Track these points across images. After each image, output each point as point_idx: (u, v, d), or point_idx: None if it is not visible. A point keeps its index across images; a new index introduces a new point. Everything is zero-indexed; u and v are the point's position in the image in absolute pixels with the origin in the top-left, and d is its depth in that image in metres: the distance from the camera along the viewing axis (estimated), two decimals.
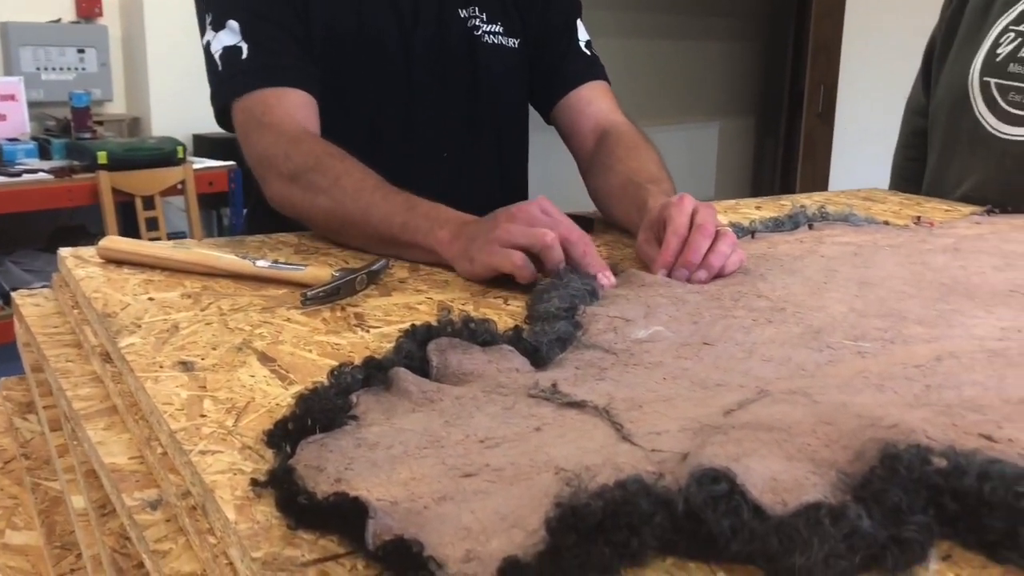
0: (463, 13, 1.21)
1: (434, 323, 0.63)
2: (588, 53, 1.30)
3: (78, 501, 0.60)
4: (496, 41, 1.23)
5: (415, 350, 0.60)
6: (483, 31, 1.22)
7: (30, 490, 0.73)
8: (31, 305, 0.87)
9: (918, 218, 1.24)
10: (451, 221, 0.90)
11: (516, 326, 0.66)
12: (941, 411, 0.53)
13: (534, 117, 1.33)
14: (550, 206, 0.87)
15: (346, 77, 1.15)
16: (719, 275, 0.84)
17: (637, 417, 0.52)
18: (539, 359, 0.61)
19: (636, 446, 0.48)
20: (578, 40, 1.29)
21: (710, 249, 0.84)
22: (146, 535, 0.48)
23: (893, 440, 0.44)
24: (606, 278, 0.81)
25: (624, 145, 1.17)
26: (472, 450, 0.48)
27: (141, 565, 0.49)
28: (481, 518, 0.41)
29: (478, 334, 0.62)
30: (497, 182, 1.30)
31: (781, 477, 0.42)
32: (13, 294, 0.91)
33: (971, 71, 1.44)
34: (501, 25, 1.23)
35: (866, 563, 0.38)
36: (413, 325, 0.63)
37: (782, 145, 5.81)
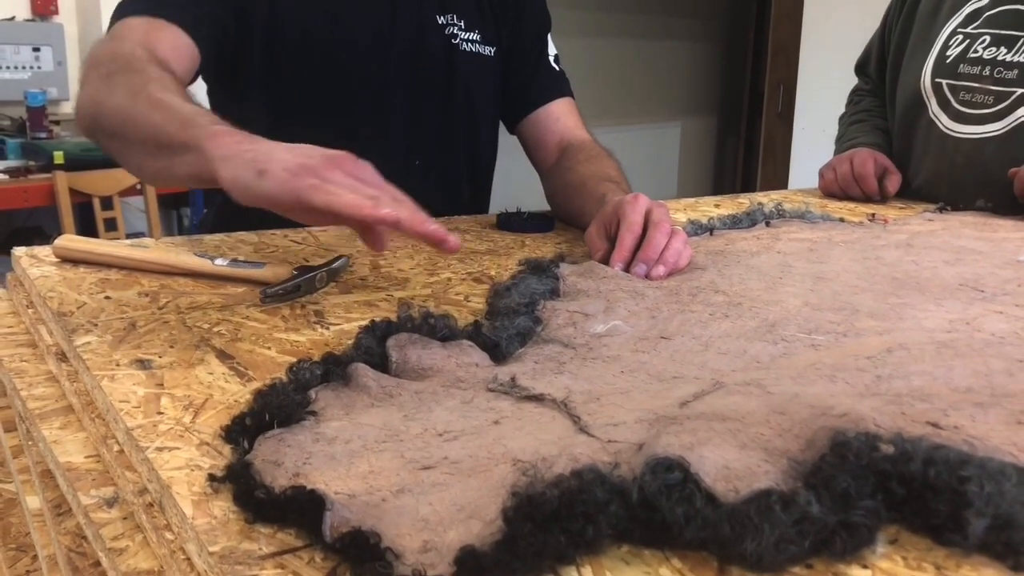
0: (441, 20, 1.21)
1: (394, 319, 0.63)
2: (556, 68, 1.32)
3: (33, 501, 0.60)
4: (473, 49, 1.23)
5: (374, 346, 0.60)
6: (460, 39, 1.22)
7: None
8: None
9: (872, 215, 1.26)
10: (240, 132, 0.74)
11: (475, 321, 0.66)
12: (890, 400, 0.54)
13: None
14: (376, 173, 0.72)
15: (319, 81, 1.14)
16: (673, 271, 0.85)
17: (595, 409, 0.53)
18: (498, 354, 0.62)
19: (593, 437, 0.48)
20: (548, 55, 1.31)
21: (665, 246, 0.85)
22: (102, 533, 0.48)
23: (843, 428, 0.45)
24: (450, 243, 0.69)
25: (585, 153, 1.20)
26: (431, 443, 0.49)
27: (98, 564, 0.49)
28: (439, 510, 0.42)
29: (437, 329, 0.62)
30: (467, 187, 1.30)
31: (733, 465, 0.43)
32: None
33: (923, 74, 1.47)
34: (479, 33, 1.24)
35: (816, 548, 0.39)
36: (372, 321, 0.63)
37: (743, 144, 5.87)
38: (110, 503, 0.50)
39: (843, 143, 1.62)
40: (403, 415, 0.52)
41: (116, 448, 0.53)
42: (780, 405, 0.52)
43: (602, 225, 0.91)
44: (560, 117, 1.28)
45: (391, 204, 0.67)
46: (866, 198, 1.41)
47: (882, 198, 1.41)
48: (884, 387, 0.57)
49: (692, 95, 5.84)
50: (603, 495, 0.39)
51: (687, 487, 0.41)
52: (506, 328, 0.65)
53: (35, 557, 0.61)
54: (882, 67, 1.63)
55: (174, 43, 1.00)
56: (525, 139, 1.31)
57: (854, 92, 1.74)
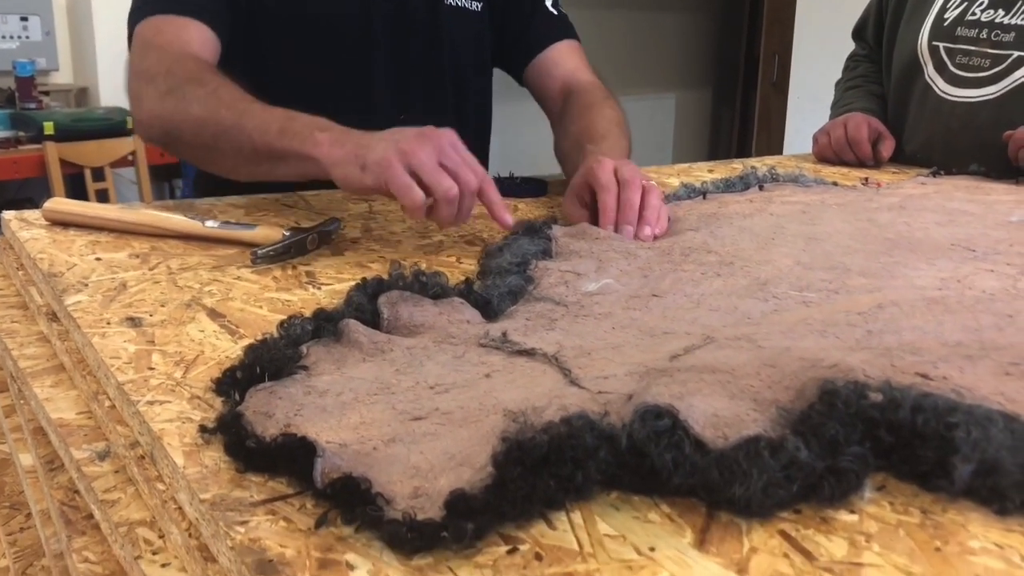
0: None
1: (385, 277, 0.63)
2: (555, 13, 1.29)
3: (26, 459, 0.60)
4: (459, 4, 1.22)
5: (366, 303, 0.60)
6: None
7: None
8: None
9: (866, 179, 1.26)
10: (334, 127, 0.83)
11: (467, 279, 0.66)
12: (880, 353, 0.54)
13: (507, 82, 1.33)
14: (459, 142, 0.82)
15: (302, 40, 1.13)
16: (658, 231, 0.85)
17: (586, 363, 0.53)
18: (490, 311, 0.62)
19: (583, 389, 0.49)
20: (544, 1, 1.29)
21: (642, 205, 0.84)
22: (95, 486, 0.48)
23: (832, 378, 0.45)
24: (508, 219, 0.83)
25: (580, 104, 1.17)
26: (422, 395, 0.49)
27: (90, 516, 0.49)
28: (430, 458, 0.42)
29: (429, 287, 0.62)
30: None
31: (723, 413, 0.43)
32: None
33: (920, 36, 1.47)
34: None
35: (804, 493, 0.40)
36: (364, 279, 0.63)
37: (738, 115, 5.85)
38: (102, 456, 0.50)
39: (838, 108, 1.61)
40: (395, 369, 0.52)
41: (107, 403, 0.53)
42: (770, 358, 0.52)
43: (574, 195, 0.91)
44: (560, 61, 1.25)
45: (447, 195, 0.77)
46: (860, 163, 1.41)
47: (876, 163, 1.41)
48: (875, 341, 0.57)
49: (686, 66, 5.81)
50: (592, 441, 0.39)
51: (676, 434, 0.41)
52: (497, 286, 0.65)
53: (28, 515, 0.62)
54: (879, 31, 1.62)
55: (201, 38, 1.03)
56: (531, 88, 1.29)
57: (850, 57, 1.73)
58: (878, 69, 1.62)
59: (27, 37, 3.40)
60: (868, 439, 0.42)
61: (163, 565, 0.41)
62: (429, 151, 0.78)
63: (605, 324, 0.60)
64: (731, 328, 0.60)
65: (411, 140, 0.78)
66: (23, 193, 3.24)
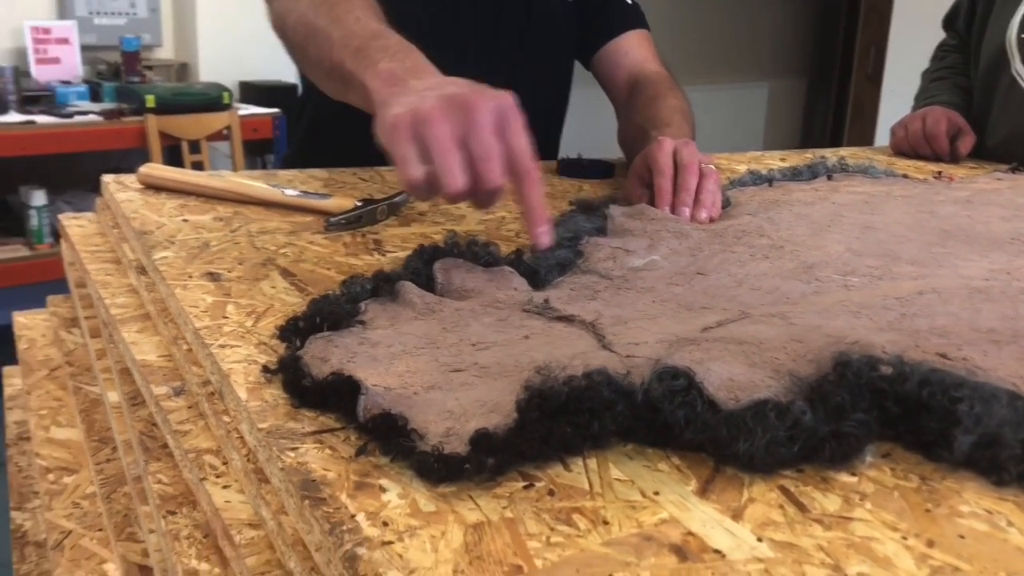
0: None
1: (441, 244, 0.68)
2: (628, 2, 1.31)
3: (113, 396, 0.66)
4: None
5: (422, 267, 0.64)
6: None
7: (72, 393, 0.79)
8: (76, 227, 0.93)
9: (939, 173, 1.25)
10: (405, 60, 0.71)
11: (517, 250, 0.70)
12: (908, 335, 0.56)
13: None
14: (510, 116, 0.63)
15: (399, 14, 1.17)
16: (713, 214, 0.87)
17: (621, 331, 0.56)
18: (537, 281, 0.65)
19: (613, 353, 0.52)
20: None
21: (699, 188, 0.86)
22: (170, 418, 0.53)
23: (848, 351, 0.48)
24: (543, 235, 0.62)
25: (646, 94, 1.19)
26: (464, 351, 0.53)
27: (165, 445, 0.54)
28: (464, 404, 0.46)
29: (481, 256, 0.66)
30: (539, 131, 1.32)
31: (738, 378, 0.46)
32: (60, 217, 0.97)
33: (1009, 30, 1.44)
34: None
35: (806, 453, 0.43)
36: (421, 245, 0.67)
37: (833, 108, 5.73)
38: (177, 393, 0.56)
39: (921, 100, 1.59)
40: (442, 327, 0.56)
41: (185, 347, 0.58)
42: (799, 334, 0.55)
43: (636, 177, 0.93)
44: (629, 51, 1.27)
45: (449, 186, 0.60)
46: (936, 158, 1.40)
47: (953, 159, 1.39)
48: (906, 324, 0.59)
49: (781, 55, 5.71)
50: (609, 395, 0.43)
51: (690, 393, 0.44)
52: (547, 258, 0.68)
53: (114, 448, 0.68)
54: (970, 21, 1.59)
55: None
56: (598, 75, 1.31)
57: (940, 47, 1.70)
58: (967, 60, 1.59)
59: (134, 14, 3.55)
60: (876, 408, 0.45)
61: (224, 487, 0.47)
62: (454, 123, 0.60)
63: (646, 297, 0.64)
64: (768, 306, 0.62)
65: (437, 103, 0.62)
66: (125, 163, 3.40)
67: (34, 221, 2.99)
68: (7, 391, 0.98)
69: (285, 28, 0.90)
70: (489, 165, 0.60)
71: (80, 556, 0.62)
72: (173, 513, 0.49)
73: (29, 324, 0.99)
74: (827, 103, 5.79)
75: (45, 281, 2.66)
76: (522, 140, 0.63)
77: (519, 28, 1.23)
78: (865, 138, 4.46)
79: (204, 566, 0.44)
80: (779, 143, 5.78)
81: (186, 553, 0.45)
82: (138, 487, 0.55)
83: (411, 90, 0.66)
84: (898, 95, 4.06)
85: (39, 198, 2.99)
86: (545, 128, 1.34)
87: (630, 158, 1.17)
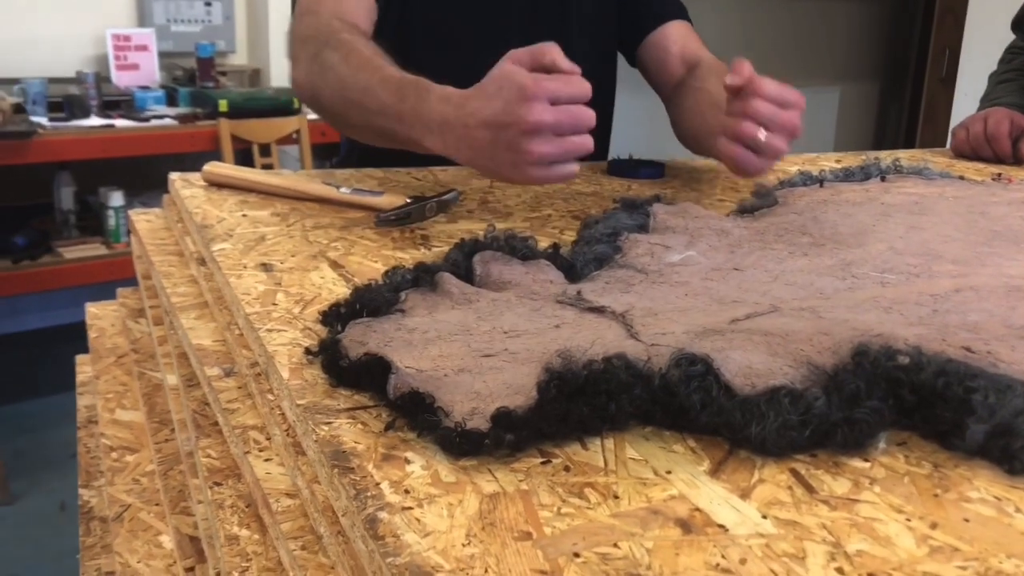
0: None
1: (481, 238, 0.70)
2: None
3: (171, 379, 0.70)
4: None
5: (462, 260, 0.67)
6: None
7: (136, 378, 0.84)
8: (144, 221, 0.98)
9: (999, 174, 1.24)
10: (440, 119, 0.84)
11: (554, 244, 0.72)
12: (937, 330, 0.57)
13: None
14: (556, 59, 0.81)
15: (439, 14, 1.20)
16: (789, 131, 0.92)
17: (650, 323, 0.58)
18: (574, 275, 0.67)
19: (639, 342, 0.54)
20: None
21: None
22: (220, 397, 0.57)
23: (868, 342, 0.49)
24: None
25: (716, 72, 1.17)
26: (496, 338, 0.55)
27: (215, 423, 0.58)
28: (491, 386, 0.48)
29: (519, 249, 0.68)
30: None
31: (757, 366, 0.48)
32: (130, 212, 1.02)
33: None
34: None
35: (817, 438, 0.44)
36: (462, 239, 0.70)
37: (906, 111, 5.61)
38: (228, 374, 0.59)
39: (986, 102, 1.57)
40: (477, 316, 0.59)
41: (236, 332, 0.62)
42: (827, 327, 0.55)
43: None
44: (679, 39, 1.27)
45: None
46: (998, 159, 1.38)
47: (1015, 161, 1.37)
48: (938, 320, 0.59)
49: (854, 58, 5.62)
50: (627, 378, 0.45)
51: (707, 379, 0.45)
52: (584, 253, 0.70)
53: (172, 429, 0.72)
54: None
55: (359, 13, 1.09)
56: (645, 64, 1.31)
57: (1008, 49, 1.67)
58: None
59: (209, 21, 3.67)
60: (891, 397, 0.46)
61: (266, 460, 0.50)
62: (544, 131, 0.78)
63: (679, 291, 0.65)
64: (799, 301, 0.63)
65: (523, 129, 0.78)
66: (199, 166, 3.51)
67: (112, 221, 3.11)
68: (79, 377, 1.03)
69: (321, 98, 1.00)
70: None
71: (138, 528, 0.66)
72: (219, 484, 0.52)
73: (100, 314, 1.04)
74: (900, 107, 5.68)
75: (122, 279, 2.78)
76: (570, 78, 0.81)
77: (558, 28, 1.24)
78: (938, 142, 4.36)
79: (244, 532, 0.47)
80: (851, 147, 5.68)
81: (229, 520, 0.48)
82: (190, 462, 0.59)
83: (485, 140, 0.81)
84: (971, 98, 3.96)
85: (117, 199, 3.11)
86: (595, 133, 1.35)
87: (693, 134, 1.16)
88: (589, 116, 0.80)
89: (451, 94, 0.84)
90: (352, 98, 0.93)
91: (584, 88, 0.80)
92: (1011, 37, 1.70)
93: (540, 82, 0.78)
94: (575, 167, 0.82)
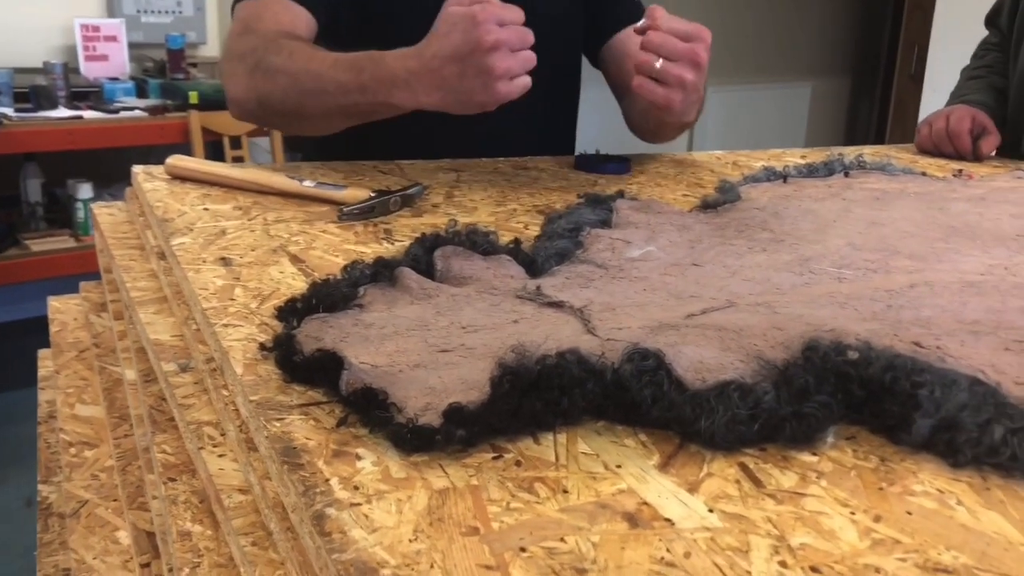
0: None
1: (443, 233, 0.70)
2: None
3: (130, 374, 0.69)
4: None
5: (422, 255, 0.67)
6: None
7: (98, 373, 0.83)
8: (106, 215, 0.97)
9: (959, 171, 1.25)
10: (404, 73, 0.92)
11: (515, 239, 0.72)
12: (890, 325, 0.57)
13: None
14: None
15: (405, 18, 1.20)
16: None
17: (608, 318, 0.58)
18: (535, 270, 0.68)
19: (596, 337, 0.54)
20: None
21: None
22: (176, 392, 0.56)
23: (820, 336, 0.49)
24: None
25: None
26: (453, 334, 0.55)
27: (172, 418, 0.58)
28: (446, 381, 0.48)
29: (480, 244, 0.68)
30: (556, 123, 1.34)
31: (708, 361, 0.48)
32: (92, 206, 1.01)
33: None
34: None
35: (767, 433, 0.44)
36: (423, 233, 0.70)
37: (877, 107, 5.67)
38: (184, 369, 0.59)
39: (955, 99, 1.58)
40: (436, 311, 0.59)
41: (194, 327, 0.61)
42: (781, 322, 0.56)
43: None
44: (634, 44, 1.29)
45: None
46: (959, 156, 1.39)
47: (975, 158, 1.38)
48: (891, 315, 0.60)
49: (825, 54, 5.66)
50: (579, 373, 0.45)
51: (658, 374, 0.46)
52: (546, 248, 0.70)
53: (131, 424, 0.71)
54: (1013, 19, 1.58)
55: (297, 21, 1.10)
56: (606, 66, 1.33)
57: (981, 45, 1.67)
58: (1007, 59, 1.57)
59: (180, 12, 3.64)
60: (840, 392, 0.46)
61: (220, 456, 0.49)
62: (501, 46, 0.88)
63: (638, 286, 0.65)
64: (756, 296, 0.64)
65: (485, 46, 0.87)
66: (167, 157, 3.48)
67: (80, 214, 3.07)
68: (40, 372, 1.02)
69: (270, 102, 1.02)
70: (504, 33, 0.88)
71: (95, 524, 0.65)
72: (173, 480, 0.52)
73: (62, 308, 1.03)
74: (870, 102, 5.74)
75: (91, 272, 2.74)
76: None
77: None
78: (907, 137, 4.40)
79: (197, 528, 0.47)
80: (822, 143, 5.72)
81: (182, 516, 0.48)
82: (146, 457, 0.58)
83: (451, 71, 0.89)
84: (939, 94, 4.00)
85: (86, 191, 3.07)
86: (558, 122, 1.36)
87: (645, 128, 1.20)
88: (530, 33, 0.91)
89: (406, 51, 0.92)
90: (307, 88, 0.97)
91: (518, 12, 0.90)
92: (980, 33, 1.72)
93: (485, 8, 0.87)
94: (528, 79, 0.91)
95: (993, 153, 1.40)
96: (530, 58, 0.90)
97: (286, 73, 0.99)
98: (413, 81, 0.91)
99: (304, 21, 1.12)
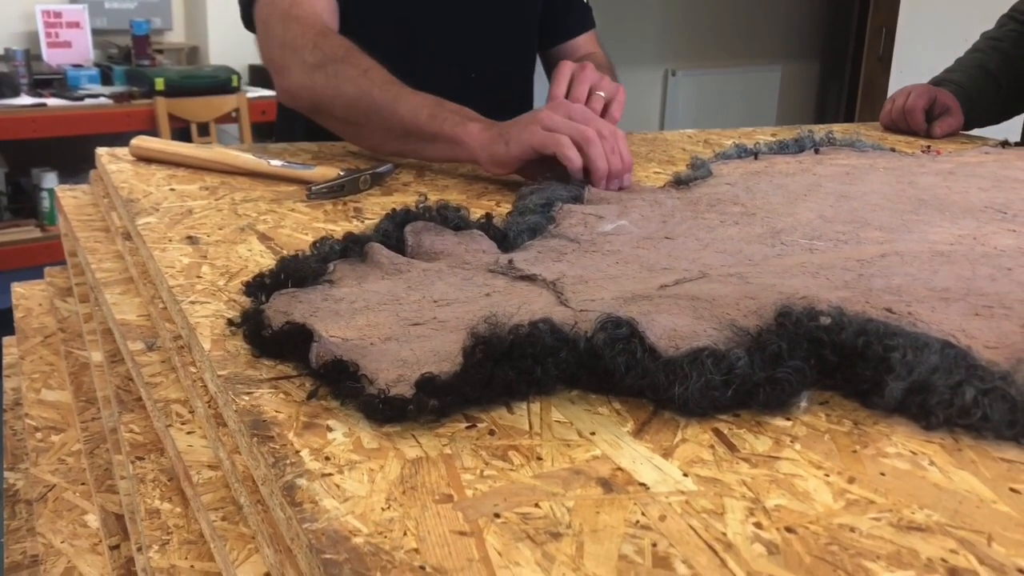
0: None
1: (413, 208, 0.69)
2: (584, 2, 1.38)
3: (96, 356, 0.68)
4: None
5: (393, 230, 0.66)
6: None
7: (64, 357, 0.82)
8: (70, 198, 0.95)
9: (928, 147, 1.26)
10: (482, 119, 0.93)
11: (487, 214, 0.71)
12: (861, 293, 0.57)
13: None
14: (582, 107, 0.92)
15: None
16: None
17: (581, 290, 0.58)
18: (507, 244, 0.67)
19: (568, 308, 0.54)
20: None
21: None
22: (143, 371, 0.55)
23: (792, 303, 0.49)
24: (625, 180, 0.88)
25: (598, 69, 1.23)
26: (425, 307, 0.55)
27: (139, 398, 0.57)
28: (418, 353, 0.48)
29: (451, 220, 0.67)
30: (515, 100, 1.35)
31: (681, 329, 0.48)
32: (55, 188, 0.99)
33: None
34: None
35: (740, 398, 0.44)
36: (394, 209, 0.69)
37: (846, 90, 5.70)
38: (150, 347, 0.58)
39: (942, 72, 1.54)
40: (407, 286, 0.58)
41: (160, 305, 0.60)
42: (753, 292, 0.56)
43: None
44: (581, 47, 1.36)
45: (583, 134, 0.86)
46: (913, 133, 1.40)
47: (927, 136, 1.39)
48: (863, 284, 0.60)
49: (794, 38, 5.68)
50: (552, 342, 0.45)
51: (632, 342, 0.45)
52: (518, 223, 0.70)
53: (99, 408, 0.70)
54: None
55: (331, 15, 1.11)
56: (548, 66, 1.38)
57: (1005, 13, 1.58)
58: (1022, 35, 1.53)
59: None
60: (813, 357, 0.46)
61: (188, 432, 0.49)
62: (561, 113, 0.88)
63: (610, 259, 0.65)
64: (728, 267, 0.64)
65: (542, 110, 0.89)
66: None
67: (46, 203, 3.03)
68: (6, 359, 1.00)
69: (329, 105, 1.02)
70: (594, 120, 0.89)
71: (63, 508, 0.64)
72: (141, 459, 0.51)
73: (26, 294, 1.01)
74: (839, 85, 5.77)
75: (58, 262, 2.70)
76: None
77: (481, 18, 1.27)
78: (876, 119, 4.45)
79: (166, 506, 0.46)
80: (792, 125, 5.75)
81: (150, 495, 0.47)
82: (113, 438, 0.57)
83: (509, 126, 0.89)
84: (907, 75, 4.03)
85: (50, 180, 3.03)
86: (521, 95, 1.37)
87: None
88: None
89: (489, 123, 0.92)
90: (378, 105, 0.97)
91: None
92: (946, 15, 1.70)
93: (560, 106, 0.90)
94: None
95: (950, 133, 1.40)
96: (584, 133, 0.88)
97: (358, 86, 0.98)
98: (484, 152, 0.90)
99: (333, 12, 1.12)
